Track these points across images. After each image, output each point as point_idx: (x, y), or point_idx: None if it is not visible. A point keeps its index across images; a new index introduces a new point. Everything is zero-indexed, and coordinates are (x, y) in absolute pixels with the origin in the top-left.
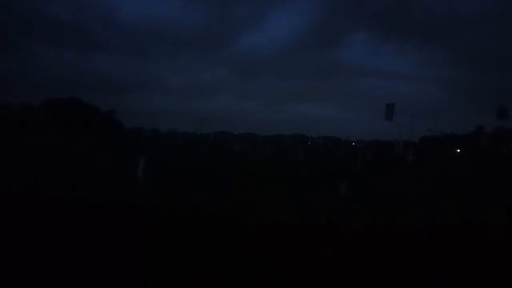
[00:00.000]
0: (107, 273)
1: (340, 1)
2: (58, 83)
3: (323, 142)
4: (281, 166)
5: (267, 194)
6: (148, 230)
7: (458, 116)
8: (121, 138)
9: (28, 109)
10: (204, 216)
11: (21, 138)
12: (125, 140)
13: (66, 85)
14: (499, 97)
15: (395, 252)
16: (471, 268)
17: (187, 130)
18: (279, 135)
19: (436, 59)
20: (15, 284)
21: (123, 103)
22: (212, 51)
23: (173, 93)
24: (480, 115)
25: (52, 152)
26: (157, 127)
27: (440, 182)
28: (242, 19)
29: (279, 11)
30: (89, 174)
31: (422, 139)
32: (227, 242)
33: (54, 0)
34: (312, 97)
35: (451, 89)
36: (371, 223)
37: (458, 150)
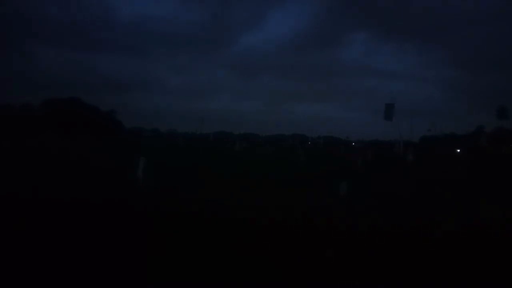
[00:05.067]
0: (107, 273)
1: (340, 1)
2: (58, 83)
3: (323, 142)
4: (281, 166)
5: (267, 194)
6: (148, 230)
7: (458, 116)
8: (121, 138)
9: (28, 109)
10: (204, 217)
11: (21, 138)
12: (125, 140)
13: (66, 85)
14: (499, 97)
15: (395, 253)
16: (471, 268)
17: (187, 130)
18: (279, 135)
19: (436, 59)
20: (16, 284)
21: (123, 103)
22: (212, 51)
23: (173, 93)
24: (480, 115)
25: (52, 152)
26: (157, 127)
27: (440, 182)
28: (242, 19)
29: (279, 11)
30: (89, 174)
31: (422, 139)
32: (227, 243)
33: (54, 0)
34: (312, 97)
35: (451, 89)
36: (371, 224)
37: (458, 150)
